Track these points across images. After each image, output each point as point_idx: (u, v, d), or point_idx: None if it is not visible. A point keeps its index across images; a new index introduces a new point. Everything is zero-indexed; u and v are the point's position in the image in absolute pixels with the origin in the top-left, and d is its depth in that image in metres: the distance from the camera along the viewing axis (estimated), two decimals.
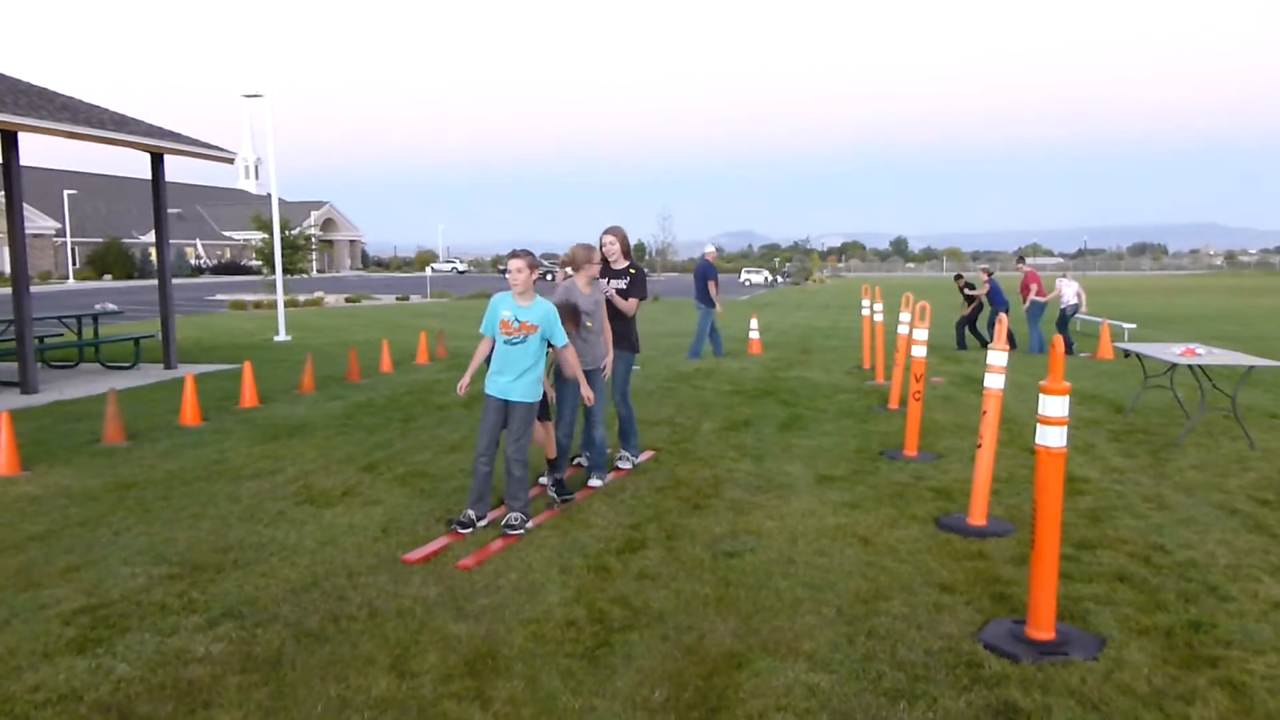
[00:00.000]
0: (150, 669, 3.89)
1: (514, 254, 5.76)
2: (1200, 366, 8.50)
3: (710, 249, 16.52)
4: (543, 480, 6.81)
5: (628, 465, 7.39)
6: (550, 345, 5.92)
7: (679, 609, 4.53)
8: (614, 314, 7.01)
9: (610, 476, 7.08)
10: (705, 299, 15.41)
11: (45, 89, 13.17)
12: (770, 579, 4.92)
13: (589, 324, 6.58)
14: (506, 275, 5.84)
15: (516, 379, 5.73)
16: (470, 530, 5.71)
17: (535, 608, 4.55)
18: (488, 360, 5.89)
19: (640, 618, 4.42)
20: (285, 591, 4.76)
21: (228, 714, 3.51)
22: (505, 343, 5.72)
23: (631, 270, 7.16)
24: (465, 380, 5.80)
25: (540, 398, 5.86)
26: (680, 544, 5.51)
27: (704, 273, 15.50)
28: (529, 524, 5.78)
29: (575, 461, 7.38)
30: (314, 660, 3.97)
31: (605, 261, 7.13)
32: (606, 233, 7.20)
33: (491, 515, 5.99)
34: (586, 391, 6.12)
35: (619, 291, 7.07)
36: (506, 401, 5.75)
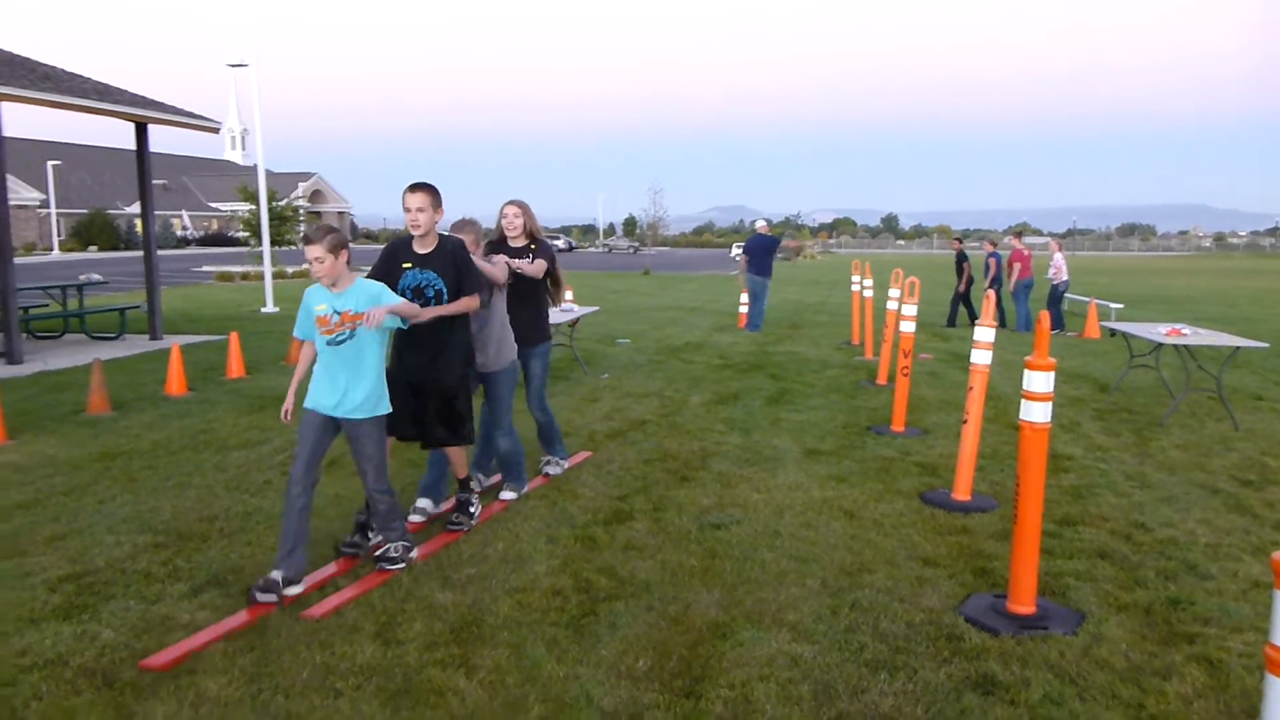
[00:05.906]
0: (135, 635, 3.90)
1: (307, 239, 4.37)
2: (1186, 347, 8.54)
3: (761, 223, 17.36)
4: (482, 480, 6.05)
5: (556, 470, 6.39)
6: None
7: (665, 579, 4.55)
8: (520, 303, 5.89)
9: (536, 481, 6.22)
10: (761, 270, 16.26)
11: (27, 58, 13.01)
12: (756, 551, 4.95)
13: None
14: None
15: (350, 389, 4.44)
16: (276, 603, 4.15)
17: (521, 577, 4.56)
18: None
19: (626, 588, 4.45)
20: (270, 560, 4.75)
21: (213, 680, 3.52)
22: (328, 344, 4.44)
23: (533, 248, 6.01)
24: (289, 403, 4.61)
25: (388, 410, 4.61)
26: (667, 515, 5.53)
27: (760, 246, 16.46)
28: (414, 553, 4.71)
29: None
30: (299, 628, 3.98)
31: (504, 237, 6.08)
32: (510, 203, 6.09)
33: (309, 583, 4.43)
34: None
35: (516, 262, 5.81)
36: (341, 421, 4.48)
